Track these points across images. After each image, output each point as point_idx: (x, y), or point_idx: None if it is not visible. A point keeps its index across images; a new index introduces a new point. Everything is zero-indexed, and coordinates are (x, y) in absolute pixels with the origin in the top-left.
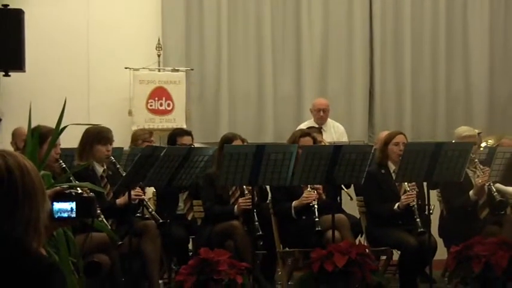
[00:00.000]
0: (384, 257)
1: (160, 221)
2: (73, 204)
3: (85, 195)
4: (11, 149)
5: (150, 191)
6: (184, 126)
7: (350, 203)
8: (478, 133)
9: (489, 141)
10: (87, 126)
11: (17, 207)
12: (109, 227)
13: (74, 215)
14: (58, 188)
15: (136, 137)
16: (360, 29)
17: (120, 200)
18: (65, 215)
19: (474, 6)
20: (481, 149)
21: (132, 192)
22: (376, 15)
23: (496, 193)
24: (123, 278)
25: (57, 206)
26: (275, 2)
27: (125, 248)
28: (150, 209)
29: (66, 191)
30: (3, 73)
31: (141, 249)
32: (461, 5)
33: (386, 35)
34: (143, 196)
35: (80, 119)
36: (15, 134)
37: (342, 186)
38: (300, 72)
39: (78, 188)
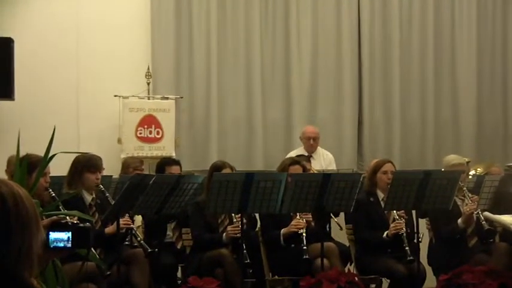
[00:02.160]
0: (373, 286)
1: (149, 250)
2: (69, 234)
3: (81, 225)
4: (5, 177)
5: (139, 219)
6: (174, 154)
7: (339, 230)
8: (467, 162)
9: (478, 169)
10: (76, 155)
11: (10, 236)
12: (97, 256)
13: (69, 244)
14: (55, 217)
15: (127, 165)
16: (349, 57)
17: (108, 229)
18: (61, 244)
19: (462, 35)
20: (470, 177)
21: (121, 221)
22: (365, 43)
23: (484, 221)
24: None
25: (53, 235)
26: (264, 30)
27: (113, 277)
28: (138, 238)
29: (63, 221)
30: None
31: (130, 277)
32: (449, 34)
33: (375, 63)
34: (132, 225)
35: (70, 147)
36: (9, 162)
37: (331, 214)
38: (289, 101)
39: (74, 218)
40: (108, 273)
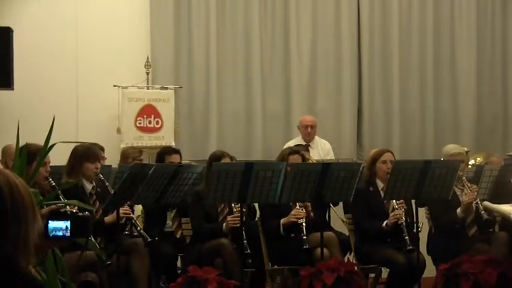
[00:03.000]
0: (373, 275)
1: (149, 239)
2: (68, 223)
3: (80, 214)
4: (0, 166)
5: (138, 208)
6: (173, 144)
7: (339, 220)
8: (466, 151)
9: (478, 159)
10: (75, 144)
11: (6, 224)
12: (97, 245)
13: (68, 233)
14: (54, 206)
15: (126, 155)
16: (349, 48)
17: (108, 218)
18: (60, 233)
19: (461, 27)
20: (469, 166)
21: (121, 210)
22: (365, 34)
23: (483, 211)
24: None
25: (52, 224)
26: (264, 20)
27: (113, 266)
28: (138, 228)
29: (62, 210)
30: None
31: (129, 267)
32: (448, 25)
33: (374, 54)
34: (132, 214)
35: (69, 137)
36: (4, 152)
37: (330, 204)
38: (288, 91)
39: (74, 207)
40: (109, 262)
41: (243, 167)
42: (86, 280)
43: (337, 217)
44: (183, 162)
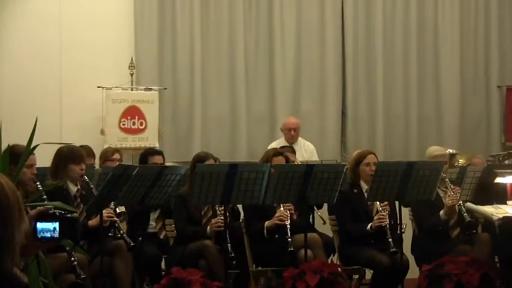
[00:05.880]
0: (357, 276)
1: (131, 244)
2: (56, 224)
3: (69, 215)
4: None
5: (122, 209)
6: (157, 146)
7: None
8: (454, 154)
9: (460, 160)
10: (59, 146)
11: None
12: (79, 247)
13: (56, 235)
14: (42, 208)
15: (103, 157)
16: (333, 50)
17: (92, 222)
18: (48, 234)
19: (444, 29)
20: (459, 163)
21: (104, 213)
22: (349, 36)
23: (465, 213)
24: None
25: (40, 225)
26: (248, 22)
27: (97, 268)
28: (121, 231)
29: (50, 211)
30: None
31: (113, 269)
32: (432, 28)
33: (359, 56)
34: (115, 218)
35: (52, 138)
36: None
37: (315, 208)
38: (272, 92)
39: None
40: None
41: (226, 168)
42: (76, 281)
43: (321, 222)
44: (167, 164)
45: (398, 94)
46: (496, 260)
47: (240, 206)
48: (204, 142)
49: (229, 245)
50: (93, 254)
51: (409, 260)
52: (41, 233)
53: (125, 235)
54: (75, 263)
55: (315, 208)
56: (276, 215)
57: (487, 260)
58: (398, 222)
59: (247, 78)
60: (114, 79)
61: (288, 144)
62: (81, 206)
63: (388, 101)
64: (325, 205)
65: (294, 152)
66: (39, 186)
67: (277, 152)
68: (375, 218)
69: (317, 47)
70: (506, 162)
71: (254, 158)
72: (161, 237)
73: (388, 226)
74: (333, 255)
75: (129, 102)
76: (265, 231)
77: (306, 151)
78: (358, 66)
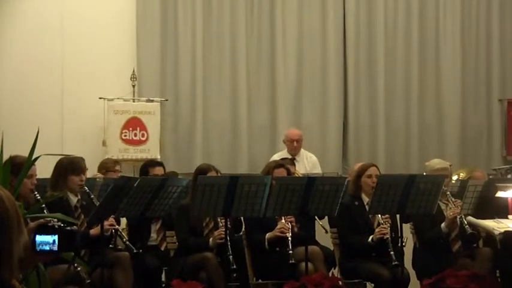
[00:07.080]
0: None
1: (135, 251)
2: (55, 237)
3: (68, 228)
4: None
5: (123, 221)
6: (159, 157)
7: (324, 234)
8: (449, 165)
9: (461, 174)
10: (60, 157)
11: None
12: (80, 259)
13: (55, 248)
14: (42, 220)
15: (103, 167)
16: (334, 62)
17: (93, 231)
18: (47, 247)
19: (446, 40)
20: (453, 181)
21: (106, 223)
22: (350, 48)
23: (467, 226)
24: None
25: (39, 238)
26: (250, 33)
27: (97, 280)
28: (124, 239)
29: (49, 224)
30: None
31: (113, 281)
32: (433, 39)
33: (360, 67)
34: (117, 226)
35: (54, 149)
36: None
37: (316, 217)
38: (274, 104)
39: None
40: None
41: (227, 180)
42: None
43: (323, 232)
44: (168, 171)
45: (400, 106)
46: (498, 274)
47: (242, 218)
48: (205, 153)
49: (231, 256)
50: (94, 265)
51: (410, 273)
52: (40, 246)
53: (128, 242)
54: (79, 268)
55: (316, 218)
56: (277, 227)
57: (488, 275)
58: (399, 235)
59: (249, 90)
60: (116, 90)
61: (290, 156)
62: (82, 216)
63: (390, 113)
64: (327, 217)
65: (293, 164)
66: (37, 196)
67: (278, 164)
68: (376, 230)
69: (318, 58)
70: (509, 176)
71: (255, 169)
72: (162, 249)
73: (389, 239)
74: (334, 269)
75: (130, 113)
76: (266, 243)
77: (308, 162)
78: (360, 79)
